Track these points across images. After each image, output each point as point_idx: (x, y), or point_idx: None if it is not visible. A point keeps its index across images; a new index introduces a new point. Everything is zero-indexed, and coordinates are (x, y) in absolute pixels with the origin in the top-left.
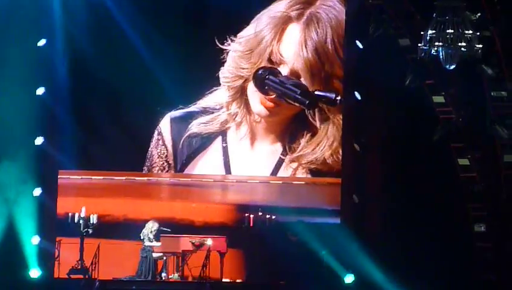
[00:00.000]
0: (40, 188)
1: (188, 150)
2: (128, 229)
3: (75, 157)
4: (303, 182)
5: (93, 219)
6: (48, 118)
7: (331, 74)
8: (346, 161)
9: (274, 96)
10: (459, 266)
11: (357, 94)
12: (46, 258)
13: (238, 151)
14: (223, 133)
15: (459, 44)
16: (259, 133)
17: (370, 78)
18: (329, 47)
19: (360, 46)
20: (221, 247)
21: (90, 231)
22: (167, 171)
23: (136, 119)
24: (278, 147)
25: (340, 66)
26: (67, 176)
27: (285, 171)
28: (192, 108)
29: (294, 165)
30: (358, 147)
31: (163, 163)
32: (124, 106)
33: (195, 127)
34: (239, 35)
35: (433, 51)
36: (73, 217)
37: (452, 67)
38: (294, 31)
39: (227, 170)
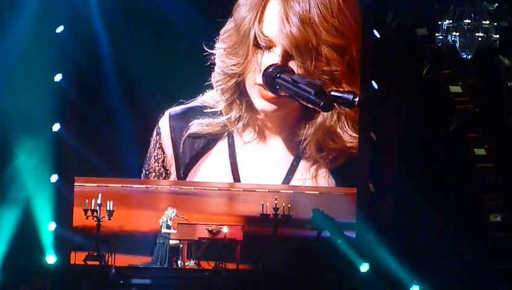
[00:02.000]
0: (56, 174)
1: (191, 152)
2: (123, 241)
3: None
4: (317, 192)
5: (110, 206)
6: (66, 104)
7: (321, 43)
8: (362, 149)
9: (285, 95)
10: (474, 256)
11: (374, 83)
12: (63, 244)
13: (246, 153)
14: (228, 133)
15: (477, 34)
16: (269, 132)
17: (387, 67)
18: (315, 16)
19: (378, 35)
20: (237, 235)
21: (107, 217)
22: (164, 177)
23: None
24: (292, 144)
25: (331, 33)
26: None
27: (303, 172)
28: (193, 103)
29: (313, 163)
30: (374, 136)
31: (160, 168)
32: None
33: (196, 126)
34: (221, 32)
35: (450, 40)
36: (90, 203)
37: (469, 57)
38: (273, 6)
39: (236, 175)
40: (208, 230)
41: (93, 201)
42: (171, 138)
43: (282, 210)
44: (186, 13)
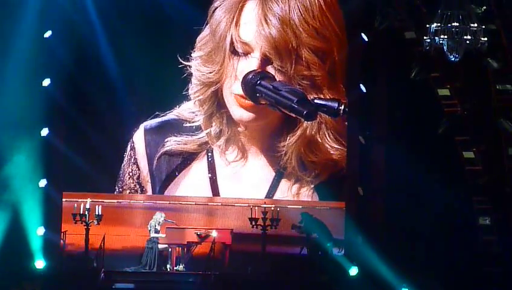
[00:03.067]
0: (45, 179)
1: (167, 168)
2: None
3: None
4: (300, 206)
5: (99, 210)
6: (54, 109)
7: (302, 46)
8: (351, 153)
9: (266, 103)
10: (463, 259)
11: (362, 87)
12: (51, 249)
13: (226, 168)
14: (207, 150)
15: (465, 37)
16: (250, 146)
17: (375, 70)
18: (295, 17)
19: (366, 38)
20: (226, 239)
21: (95, 222)
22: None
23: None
24: (273, 159)
25: (312, 35)
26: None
27: (285, 189)
28: (169, 116)
29: (295, 180)
30: (363, 140)
31: (135, 185)
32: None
33: (173, 144)
34: (197, 39)
35: (438, 43)
36: (78, 208)
37: (457, 59)
38: (250, 8)
39: (215, 192)
40: (197, 234)
41: (82, 205)
42: (147, 153)
43: (271, 214)
44: (163, 21)
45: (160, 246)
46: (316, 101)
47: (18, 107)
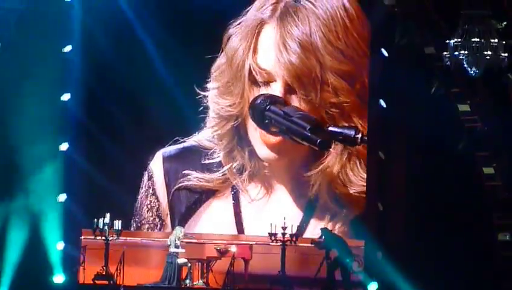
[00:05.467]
0: (65, 193)
1: (188, 200)
2: None
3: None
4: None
5: (118, 225)
6: (74, 124)
7: (327, 71)
8: (371, 169)
9: (276, 131)
10: (483, 275)
11: (382, 102)
12: (71, 263)
13: (251, 204)
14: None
15: (485, 52)
16: (274, 179)
17: (395, 86)
18: (317, 40)
19: (386, 54)
20: (246, 254)
21: (115, 237)
22: (160, 229)
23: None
24: (302, 190)
25: (337, 58)
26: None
27: (317, 223)
28: (189, 142)
29: (329, 213)
30: (383, 155)
31: (154, 219)
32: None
33: (195, 180)
34: (212, 69)
35: (458, 58)
36: (97, 223)
37: (477, 75)
38: (268, 33)
39: (240, 227)
40: (217, 249)
41: (101, 220)
42: (165, 182)
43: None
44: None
45: (179, 261)
46: (330, 129)
47: (37, 121)
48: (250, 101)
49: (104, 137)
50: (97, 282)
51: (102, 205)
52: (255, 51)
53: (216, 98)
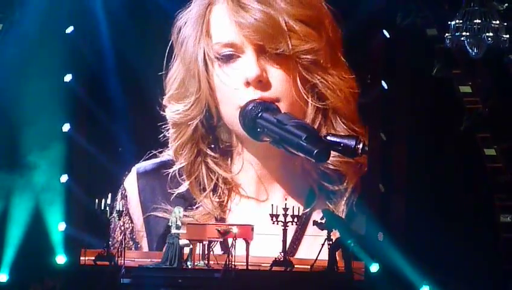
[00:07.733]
0: (66, 174)
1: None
2: None
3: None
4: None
5: (120, 206)
6: (76, 104)
7: (291, 19)
8: (372, 150)
9: (268, 141)
10: (484, 257)
11: (383, 83)
12: (72, 244)
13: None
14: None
15: (486, 34)
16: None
17: (397, 67)
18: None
19: (387, 35)
20: (247, 235)
21: (116, 217)
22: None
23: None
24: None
25: (297, 4)
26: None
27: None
28: (166, 156)
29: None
30: (384, 136)
31: (128, 241)
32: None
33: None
34: (166, 81)
35: (459, 40)
36: (99, 203)
37: (478, 56)
38: (219, 11)
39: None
40: (218, 230)
41: (103, 201)
42: (141, 202)
43: (292, 210)
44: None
45: (181, 242)
46: (329, 138)
47: (39, 102)
48: (209, 89)
49: (106, 118)
50: (98, 263)
51: (105, 186)
52: (208, 35)
53: (172, 106)
